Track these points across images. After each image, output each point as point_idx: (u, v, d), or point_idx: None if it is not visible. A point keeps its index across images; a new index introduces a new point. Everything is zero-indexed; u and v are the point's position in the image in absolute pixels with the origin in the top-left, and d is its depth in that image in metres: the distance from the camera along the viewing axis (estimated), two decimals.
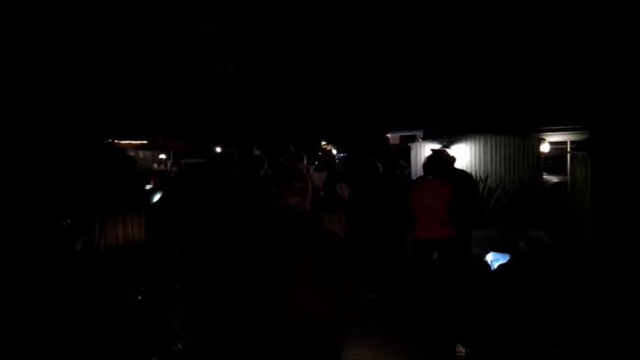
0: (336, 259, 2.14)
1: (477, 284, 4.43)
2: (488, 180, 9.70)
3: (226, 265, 2.15)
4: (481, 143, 10.78)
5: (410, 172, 9.38)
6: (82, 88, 14.36)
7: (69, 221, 2.43)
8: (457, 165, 5.89)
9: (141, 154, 15.45)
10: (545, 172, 11.18)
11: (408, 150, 12.14)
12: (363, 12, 20.95)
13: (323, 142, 24.42)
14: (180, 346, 1.89)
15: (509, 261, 5.12)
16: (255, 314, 2.06)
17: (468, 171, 7.33)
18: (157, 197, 4.19)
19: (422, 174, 5.63)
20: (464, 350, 3.86)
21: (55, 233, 2.23)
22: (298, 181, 2.24)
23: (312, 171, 6.33)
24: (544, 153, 10.90)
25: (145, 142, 17.23)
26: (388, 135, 22.46)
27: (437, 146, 9.72)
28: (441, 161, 5.31)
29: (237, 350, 2.13)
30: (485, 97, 17.58)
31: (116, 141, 15.64)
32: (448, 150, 7.91)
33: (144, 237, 1.86)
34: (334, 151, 7.02)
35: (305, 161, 5.59)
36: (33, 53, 12.03)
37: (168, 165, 10.37)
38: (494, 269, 5.05)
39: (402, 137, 21.34)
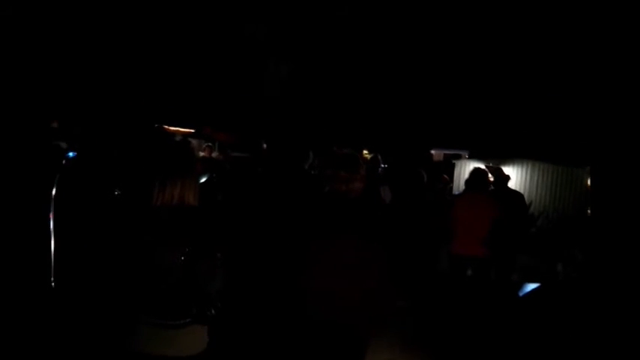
0: (378, 248, 2.14)
1: (503, 307, 4.40)
2: (532, 207, 9.45)
3: (262, 242, 2.21)
4: (528, 169, 10.49)
5: (452, 187, 9.30)
6: (142, 80, 15.33)
7: (119, 192, 2.71)
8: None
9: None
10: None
11: (452, 167, 11.99)
12: (418, 25, 20.79)
13: (365, 151, 24.31)
14: (213, 312, 1.97)
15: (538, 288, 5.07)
16: (284, 293, 2.10)
17: None
18: (203, 179, 4.47)
19: (463, 190, 5.58)
20: None
21: (108, 200, 2.49)
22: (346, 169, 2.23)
23: None
24: None
25: (193, 130, 17.91)
26: (432, 151, 22.22)
27: (482, 166, 9.57)
28: (483, 179, 5.24)
29: (263, 325, 2.18)
30: (537, 122, 17.11)
31: (165, 126, 16.31)
32: (504, 169, 7.77)
33: (197, 203, 1.99)
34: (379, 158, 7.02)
35: None
36: (107, 47, 12.93)
37: (213, 154, 10.79)
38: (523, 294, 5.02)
39: (445, 155, 21.11)
